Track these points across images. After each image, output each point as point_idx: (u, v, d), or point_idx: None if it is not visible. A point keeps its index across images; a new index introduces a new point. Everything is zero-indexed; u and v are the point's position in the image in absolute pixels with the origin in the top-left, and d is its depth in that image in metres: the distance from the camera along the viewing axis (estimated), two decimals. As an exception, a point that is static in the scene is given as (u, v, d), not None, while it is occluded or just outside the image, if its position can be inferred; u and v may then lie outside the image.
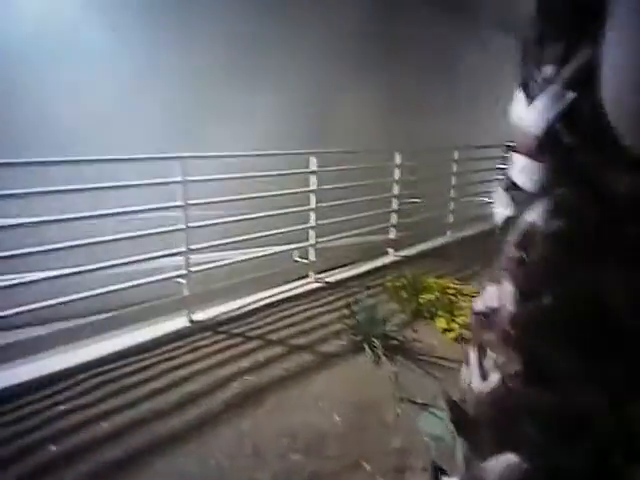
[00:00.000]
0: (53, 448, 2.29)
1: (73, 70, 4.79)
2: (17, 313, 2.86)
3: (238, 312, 3.94)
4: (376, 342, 3.33)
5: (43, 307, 2.96)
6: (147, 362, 3.14)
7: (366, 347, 3.32)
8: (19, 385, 2.79)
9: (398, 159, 5.55)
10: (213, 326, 3.69)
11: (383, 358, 3.22)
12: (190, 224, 3.59)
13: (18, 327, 3.34)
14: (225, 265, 3.99)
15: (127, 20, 5.06)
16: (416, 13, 8.33)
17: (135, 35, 5.17)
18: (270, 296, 4.26)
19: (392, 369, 3.11)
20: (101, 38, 4.95)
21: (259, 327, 3.71)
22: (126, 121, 5.08)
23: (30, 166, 3.05)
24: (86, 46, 4.87)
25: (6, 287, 2.86)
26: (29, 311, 2.92)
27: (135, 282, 3.41)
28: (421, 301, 3.97)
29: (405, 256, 5.70)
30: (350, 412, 2.65)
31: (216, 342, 3.45)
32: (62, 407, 2.63)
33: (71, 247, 3.07)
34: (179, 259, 3.64)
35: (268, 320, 3.85)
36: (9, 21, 4.35)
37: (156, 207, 3.50)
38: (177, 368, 3.06)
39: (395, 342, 3.42)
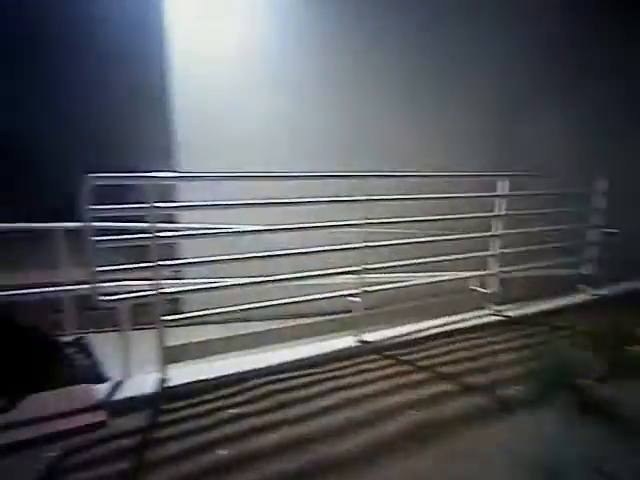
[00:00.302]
0: (223, 452, 2.35)
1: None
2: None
3: (408, 338, 3.82)
4: (565, 394, 2.89)
5: (235, 311, 3.22)
6: (316, 377, 3.19)
7: (552, 399, 2.90)
8: (193, 383, 2.98)
9: (598, 185, 4.86)
10: (381, 349, 3.62)
11: (573, 415, 2.77)
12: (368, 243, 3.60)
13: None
14: (400, 287, 3.90)
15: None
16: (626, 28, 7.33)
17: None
18: (443, 325, 4.05)
19: (584, 431, 2.65)
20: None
21: (429, 357, 3.54)
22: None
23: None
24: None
25: (198, 290, 3.22)
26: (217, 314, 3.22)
27: (315, 296, 3.52)
28: (626, 353, 3.35)
29: (602, 295, 4.96)
30: (529, 475, 2.30)
31: (383, 367, 3.37)
32: (233, 411, 2.74)
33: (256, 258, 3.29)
34: (346, 277, 3.67)
35: (440, 351, 3.65)
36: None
37: (337, 224, 3.57)
38: (344, 388, 3.05)
39: (589, 398, 2.92)
